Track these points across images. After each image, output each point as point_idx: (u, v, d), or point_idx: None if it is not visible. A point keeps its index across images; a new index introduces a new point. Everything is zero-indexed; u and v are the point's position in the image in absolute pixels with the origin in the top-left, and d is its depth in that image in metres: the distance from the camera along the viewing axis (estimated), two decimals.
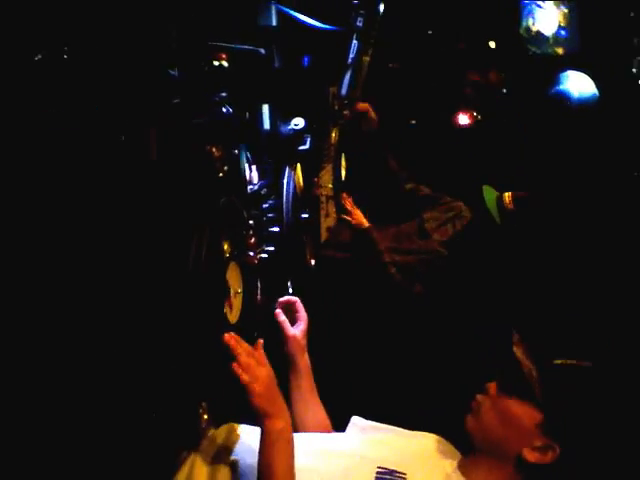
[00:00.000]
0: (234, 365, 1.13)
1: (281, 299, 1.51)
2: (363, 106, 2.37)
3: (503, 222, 2.44)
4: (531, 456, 1.15)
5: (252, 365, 1.16)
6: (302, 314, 1.50)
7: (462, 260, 2.44)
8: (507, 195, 2.41)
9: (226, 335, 1.17)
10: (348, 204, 2.42)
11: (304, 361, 1.48)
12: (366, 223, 2.44)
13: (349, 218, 2.44)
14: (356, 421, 1.40)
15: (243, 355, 1.16)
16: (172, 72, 1.41)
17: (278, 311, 1.49)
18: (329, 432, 1.45)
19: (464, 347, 2.43)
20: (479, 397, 1.24)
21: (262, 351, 1.23)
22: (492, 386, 1.24)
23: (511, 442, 1.18)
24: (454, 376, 2.31)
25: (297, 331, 1.47)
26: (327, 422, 1.48)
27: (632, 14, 3.77)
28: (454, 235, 2.52)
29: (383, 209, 2.69)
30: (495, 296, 2.51)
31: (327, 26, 1.74)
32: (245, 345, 1.19)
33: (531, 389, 1.17)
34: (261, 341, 1.26)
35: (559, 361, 1.21)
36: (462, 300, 2.42)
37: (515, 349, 1.21)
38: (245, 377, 1.14)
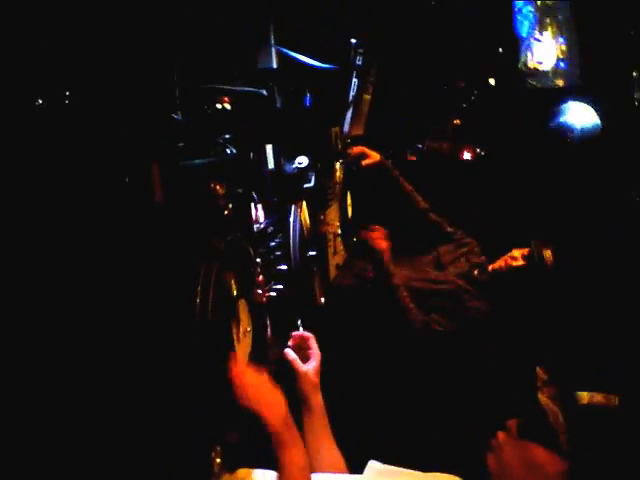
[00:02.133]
0: (243, 395, 1.11)
1: (295, 333, 1.49)
2: (357, 150, 2.41)
3: (544, 275, 2.42)
4: None
5: (264, 392, 1.14)
6: (315, 351, 1.48)
7: (489, 298, 2.42)
8: (547, 252, 2.41)
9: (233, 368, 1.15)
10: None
11: (317, 399, 1.45)
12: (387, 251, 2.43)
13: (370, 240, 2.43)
14: (373, 465, 1.37)
15: (252, 384, 1.14)
16: (176, 116, 1.43)
17: (287, 350, 1.46)
18: (344, 473, 1.42)
19: (485, 384, 2.38)
20: (501, 435, 1.20)
21: (269, 379, 1.21)
22: (514, 425, 1.20)
23: None
24: (474, 413, 2.25)
25: (309, 368, 1.44)
26: (341, 462, 1.44)
27: (631, 44, 3.80)
28: (469, 270, 2.50)
29: (395, 242, 2.69)
30: (524, 338, 2.47)
31: (327, 65, 1.77)
32: (253, 374, 1.17)
33: (556, 438, 1.14)
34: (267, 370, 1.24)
35: (586, 397, 1.16)
36: (485, 338, 2.36)
37: (540, 395, 1.17)
38: (257, 404, 1.12)
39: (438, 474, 1.32)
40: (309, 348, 1.48)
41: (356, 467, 1.40)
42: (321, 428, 1.44)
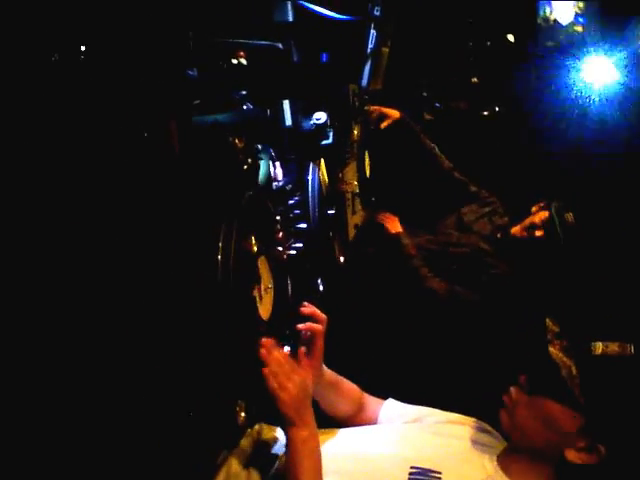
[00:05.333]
0: (264, 372, 1.15)
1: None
2: (375, 113, 2.36)
3: (565, 236, 2.38)
4: (575, 457, 1.11)
5: (281, 374, 1.16)
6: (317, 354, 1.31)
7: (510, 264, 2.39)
8: (569, 215, 2.37)
9: (262, 343, 1.18)
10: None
11: (324, 384, 1.35)
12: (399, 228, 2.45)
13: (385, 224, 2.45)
14: (390, 404, 1.41)
15: (273, 365, 1.16)
16: (191, 72, 1.40)
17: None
18: (361, 401, 1.42)
19: (498, 340, 2.37)
20: (513, 391, 1.19)
21: (291, 360, 1.21)
22: (524, 380, 1.18)
23: (552, 443, 1.13)
24: (487, 367, 2.25)
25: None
26: (356, 393, 1.44)
27: None
28: (491, 232, 2.47)
29: (416, 203, 2.66)
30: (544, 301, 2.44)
31: (344, 16, 1.72)
32: (276, 354, 1.18)
33: (570, 393, 1.10)
34: (288, 349, 1.27)
35: (600, 347, 1.13)
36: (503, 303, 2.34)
37: (551, 348, 1.14)
38: (274, 385, 1.15)
39: (459, 416, 1.33)
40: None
41: None
42: (333, 393, 1.41)
